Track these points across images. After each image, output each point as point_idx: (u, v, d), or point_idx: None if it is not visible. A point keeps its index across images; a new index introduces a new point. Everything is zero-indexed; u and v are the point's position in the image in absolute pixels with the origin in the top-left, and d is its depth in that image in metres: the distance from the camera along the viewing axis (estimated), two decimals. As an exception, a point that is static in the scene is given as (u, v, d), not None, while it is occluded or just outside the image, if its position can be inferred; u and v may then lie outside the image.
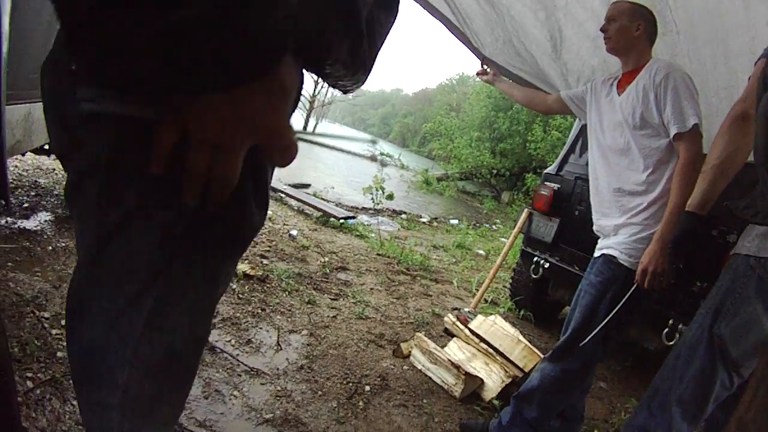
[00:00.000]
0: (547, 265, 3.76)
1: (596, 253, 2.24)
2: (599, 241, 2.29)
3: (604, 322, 2.05)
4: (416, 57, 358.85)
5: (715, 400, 1.70)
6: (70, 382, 1.94)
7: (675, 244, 1.81)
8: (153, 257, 0.76)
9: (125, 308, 0.79)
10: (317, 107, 27.17)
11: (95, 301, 0.80)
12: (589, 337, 2.08)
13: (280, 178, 8.44)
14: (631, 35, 2.18)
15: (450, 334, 3.43)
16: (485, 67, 3.04)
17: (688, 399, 1.72)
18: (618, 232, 2.15)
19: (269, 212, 5.64)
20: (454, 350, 3.12)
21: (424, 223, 9.26)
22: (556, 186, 3.89)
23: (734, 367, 1.64)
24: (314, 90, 25.43)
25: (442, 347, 3.09)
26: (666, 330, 2.81)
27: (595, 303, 2.11)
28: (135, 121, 0.66)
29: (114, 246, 0.76)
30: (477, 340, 3.12)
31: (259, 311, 3.13)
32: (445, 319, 3.55)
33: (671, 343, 2.80)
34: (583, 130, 3.99)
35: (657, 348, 3.24)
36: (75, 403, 1.86)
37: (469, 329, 3.26)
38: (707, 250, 2.87)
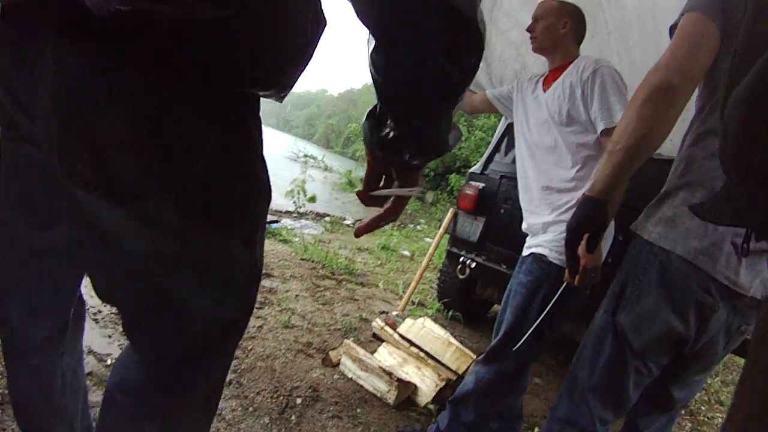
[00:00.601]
0: (473, 264, 3.73)
1: (525, 252, 2.21)
2: (527, 239, 2.26)
3: (537, 322, 2.03)
4: (342, 57, 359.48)
5: (636, 386, 1.65)
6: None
7: (570, 231, 1.58)
8: None
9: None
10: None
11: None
12: (524, 338, 2.05)
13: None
14: (557, 33, 2.17)
15: (379, 339, 3.36)
16: None
17: (601, 388, 1.67)
18: (547, 230, 2.12)
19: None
20: (385, 356, 3.06)
21: (348, 225, 9.19)
22: (481, 185, 3.87)
23: (641, 356, 1.59)
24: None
25: (372, 353, 3.03)
26: None
27: (526, 303, 2.08)
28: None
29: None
30: (407, 344, 3.08)
31: (180, 324, 2.95)
32: (373, 324, 3.49)
33: None
34: (508, 128, 4.01)
35: None
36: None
37: (399, 333, 3.21)
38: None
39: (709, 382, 4.68)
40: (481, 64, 3.21)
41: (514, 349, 2.06)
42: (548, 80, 2.24)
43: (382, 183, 0.98)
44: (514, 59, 3.09)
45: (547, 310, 2.01)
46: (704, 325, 1.50)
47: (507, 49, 3.04)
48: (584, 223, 1.53)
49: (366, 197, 0.99)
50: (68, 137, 0.79)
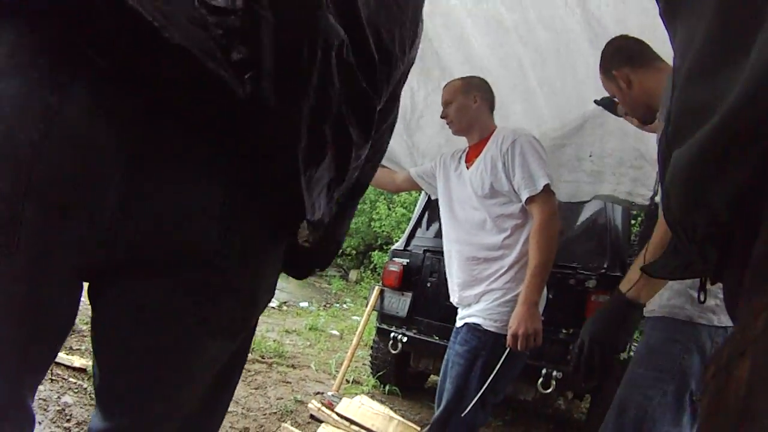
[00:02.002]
0: (405, 339, 3.76)
1: (458, 323, 2.23)
2: (459, 311, 2.28)
3: (483, 389, 2.04)
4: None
5: None
6: None
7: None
8: None
9: None
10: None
11: None
12: (469, 406, 2.04)
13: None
14: (471, 109, 2.25)
15: (318, 420, 3.30)
16: None
17: None
18: (480, 299, 2.15)
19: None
20: (325, 437, 3.01)
21: (273, 308, 9.01)
22: (405, 261, 3.96)
23: None
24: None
25: (312, 435, 2.98)
26: (541, 379, 2.93)
27: (466, 372, 2.08)
28: None
29: None
30: (347, 423, 3.04)
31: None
32: (309, 405, 3.44)
33: (548, 390, 2.93)
34: (428, 203, 4.16)
35: (534, 398, 3.36)
36: None
37: (337, 413, 3.17)
38: (569, 298, 3.11)
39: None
40: (402, 143, 3.33)
41: (462, 415, 2.05)
42: (470, 156, 2.31)
43: None
44: (438, 132, 3.16)
45: (492, 376, 2.03)
46: None
47: (431, 122, 3.10)
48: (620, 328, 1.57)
49: None
50: None
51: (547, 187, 2.04)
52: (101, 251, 0.74)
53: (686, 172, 0.51)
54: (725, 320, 1.58)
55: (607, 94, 1.98)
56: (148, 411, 0.85)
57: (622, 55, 1.79)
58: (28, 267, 0.68)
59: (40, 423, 2.47)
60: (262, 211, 0.86)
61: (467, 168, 2.29)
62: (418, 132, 3.25)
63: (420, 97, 3.01)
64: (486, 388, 2.04)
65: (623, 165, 2.83)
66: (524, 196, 2.07)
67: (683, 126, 0.53)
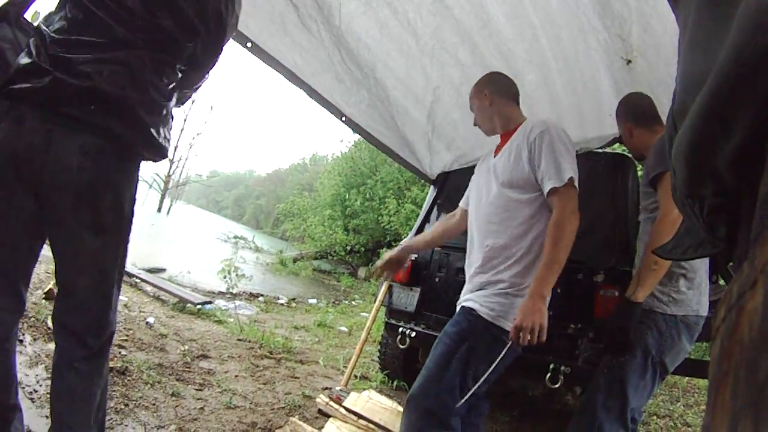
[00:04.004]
0: (413, 334, 3.73)
1: (457, 307, 2.20)
2: (462, 295, 2.23)
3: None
4: (268, 138, 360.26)
5: None
6: None
7: (619, 330, 2.19)
8: None
9: None
10: (172, 188, 26.18)
11: None
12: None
13: (134, 262, 7.88)
14: (487, 109, 2.30)
15: (325, 415, 3.30)
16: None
17: (640, 405, 2.28)
18: (483, 287, 2.10)
19: (124, 299, 5.19)
20: (333, 431, 3.02)
21: (282, 304, 9.07)
22: (413, 256, 3.91)
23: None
24: (169, 170, 24.41)
25: (320, 429, 2.99)
26: (549, 374, 2.88)
27: (450, 352, 1.98)
28: None
29: None
30: (355, 417, 3.05)
31: (122, 407, 2.82)
32: (318, 400, 3.43)
33: (556, 386, 2.88)
34: (437, 198, 4.20)
35: (542, 393, 3.33)
36: None
37: (345, 407, 3.18)
38: (577, 293, 3.09)
39: (671, 408, 5.02)
40: (417, 128, 3.44)
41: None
42: (498, 147, 2.31)
43: None
44: (453, 106, 3.28)
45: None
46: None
47: (454, 110, 3.23)
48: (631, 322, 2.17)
49: None
50: None
51: (571, 180, 2.00)
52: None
53: (689, 139, 0.51)
54: (675, 310, 2.18)
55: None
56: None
57: (630, 113, 2.50)
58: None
59: (26, 411, 2.50)
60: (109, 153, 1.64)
61: (494, 157, 2.30)
62: (436, 104, 3.41)
63: (434, 74, 3.13)
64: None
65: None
66: (547, 187, 2.02)
67: (686, 98, 0.54)
